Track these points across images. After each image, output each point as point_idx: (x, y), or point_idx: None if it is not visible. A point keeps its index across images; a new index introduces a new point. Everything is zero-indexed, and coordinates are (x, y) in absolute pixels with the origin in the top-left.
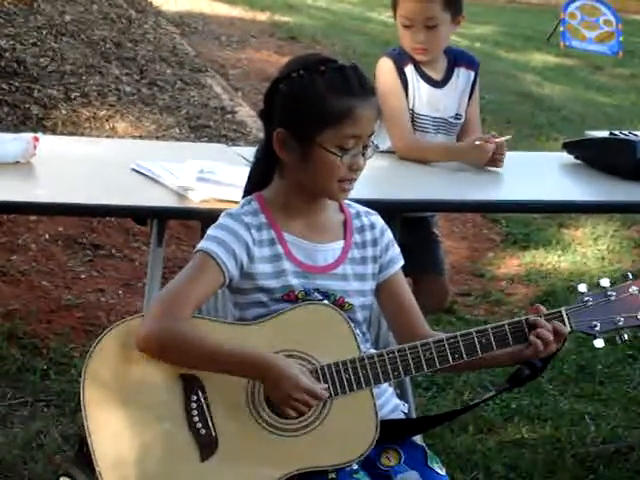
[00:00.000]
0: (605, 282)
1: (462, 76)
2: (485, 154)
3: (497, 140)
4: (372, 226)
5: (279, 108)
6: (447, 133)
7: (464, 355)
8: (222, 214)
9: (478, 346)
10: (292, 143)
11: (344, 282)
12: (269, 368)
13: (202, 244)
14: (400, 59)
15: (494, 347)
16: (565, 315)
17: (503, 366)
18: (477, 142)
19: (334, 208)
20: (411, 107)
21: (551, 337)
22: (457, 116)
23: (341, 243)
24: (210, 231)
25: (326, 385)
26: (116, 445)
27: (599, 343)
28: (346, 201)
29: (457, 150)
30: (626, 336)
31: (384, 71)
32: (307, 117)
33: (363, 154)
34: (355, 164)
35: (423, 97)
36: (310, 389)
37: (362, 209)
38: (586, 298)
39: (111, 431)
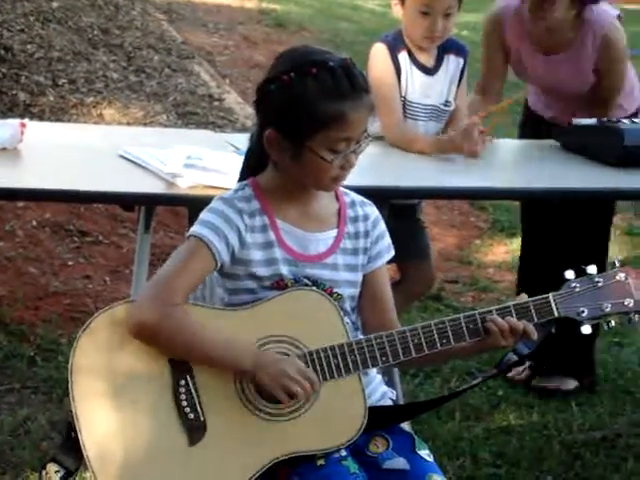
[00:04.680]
0: (592, 269)
1: (452, 63)
2: (472, 139)
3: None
4: (365, 217)
5: (270, 110)
6: (437, 120)
7: (452, 340)
8: (215, 198)
9: (466, 331)
10: (283, 144)
11: (334, 272)
12: (263, 354)
13: (194, 229)
14: (394, 46)
15: (482, 332)
16: (552, 300)
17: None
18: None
19: (329, 196)
20: (403, 94)
21: (506, 325)
22: (447, 103)
23: (334, 232)
24: (202, 215)
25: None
26: (104, 430)
27: (586, 329)
28: (342, 189)
29: (441, 141)
30: (613, 323)
31: (378, 57)
32: (299, 122)
33: (355, 151)
34: (347, 163)
35: (415, 84)
36: (303, 369)
37: (358, 198)
38: (573, 284)
39: (99, 416)
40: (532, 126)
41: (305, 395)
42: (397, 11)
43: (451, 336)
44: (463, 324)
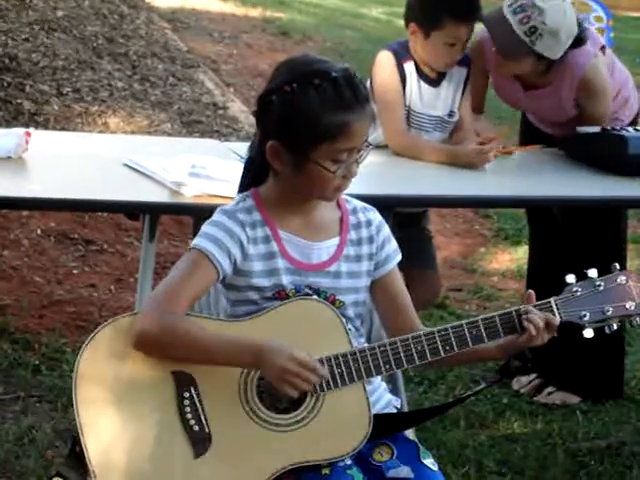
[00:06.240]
0: (593, 272)
1: (455, 73)
2: (486, 159)
3: (495, 137)
4: (368, 223)
5: (272, 121)
6: (442, 131)
7: (455, 347)
8: (216, 210)
9: (469, 337)
10: (286, 156)
11: (336, 280)
12: (262, 347)
13: (196, 241)
14: (401, 55)
15: (485, 338)
16: (554, 305)
17: (494, 359)
18: (476, 146)
19: (331, 204)
20: (407, 104)
21: (542, 324)
22: (451, 113)
23: (336, 240)
24: (204, 228)
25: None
26: (109, 443)
27: (588, 333)
28: (344, 196)
29: (456, 154)
30: (615, 326)
31: (384, 65)
32: (301, 134)
33: (357, 160)
34: (349, 173)
35: (420, 95)
36: (304, 360)
37: (359, 205)
38: (575, 288)
39: (104, 429)
40: (530, 134)
41: (312, 386)
42: (413, 39)
43: (454, 344)
44: (466, 330)
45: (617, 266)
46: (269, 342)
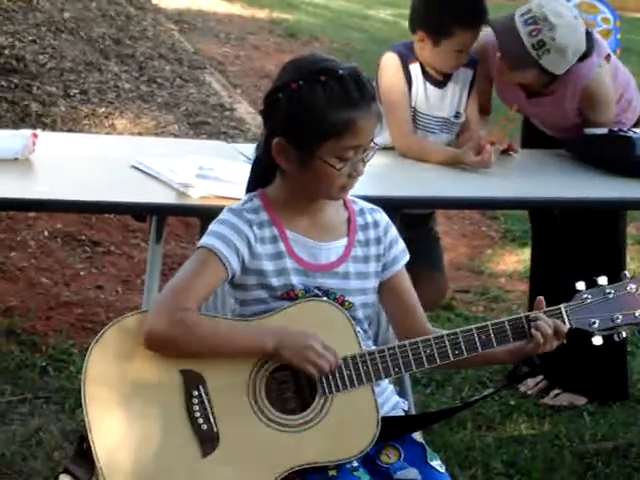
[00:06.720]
0: (603, 280)
1: (462, 75)
2: (488, 164)
3: (496, 147)
4: (376, 224)
5: (278, 118)
6: (449, 132)
7: (464, 351)
8: (224, 210)
9: (478, 342)
10: (292, 153)
11: (345, 280)
12: (286, 330)
13: (204, 240)
14: (407, 56)
15: (494, 343)
16: (564, 312)
17: (503, 363)
18: (476, 158)
19: (338, 205)
20: (413, 105)
21: (550, 331)
22: (457, 115)
23: (344, 241)
24: (212, 226)
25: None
26: (117, 441)
27: (597, 340)
28: (351, 197)
29: (461, 157)
30: (624, 334)
31: (389, 66)
32: (307, 130)
33: (363, 159)
34: (355, 172)
35: (426, 96)
36: (326, 344)
37: (366, 206)
38: (585, 295)
39: (111, 427)
40: (533, 136)
41: (330, 369)
42: (420, 46)
43: (464, 348)
44: (475, 335)
45: (627, 274)
46: (292, 327)
